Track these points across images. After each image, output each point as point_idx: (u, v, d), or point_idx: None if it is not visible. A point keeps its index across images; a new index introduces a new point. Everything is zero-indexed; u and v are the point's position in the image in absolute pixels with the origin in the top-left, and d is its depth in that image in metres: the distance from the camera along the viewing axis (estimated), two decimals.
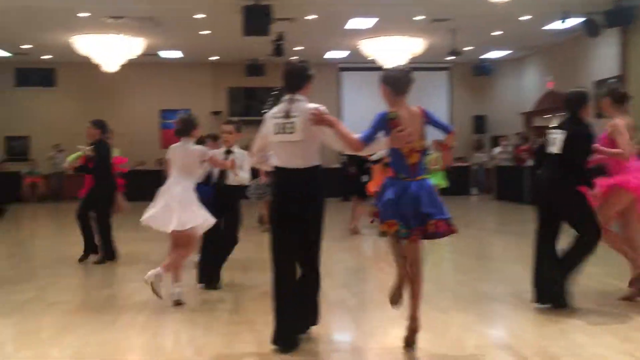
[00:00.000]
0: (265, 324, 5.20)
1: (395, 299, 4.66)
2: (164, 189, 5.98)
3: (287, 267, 4.49)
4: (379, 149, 4.50)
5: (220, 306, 5.94)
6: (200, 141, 7.23)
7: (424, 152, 4.46)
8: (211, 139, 7.74)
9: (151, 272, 5.70)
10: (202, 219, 5.94)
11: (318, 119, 4.29)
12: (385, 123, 4.35)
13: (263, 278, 7.20)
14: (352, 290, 6.60)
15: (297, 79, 4.49)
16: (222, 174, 6.68)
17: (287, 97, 4.47)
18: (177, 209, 5.79)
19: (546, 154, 5.69)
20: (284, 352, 4.41)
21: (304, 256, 4.54)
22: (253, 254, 8.51)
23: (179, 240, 5.96)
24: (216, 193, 6.69)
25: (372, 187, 10.87)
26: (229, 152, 6.61)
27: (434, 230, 4.31)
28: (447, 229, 4.36)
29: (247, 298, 6.28)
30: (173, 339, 5.04)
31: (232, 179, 6.61)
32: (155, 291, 5.70)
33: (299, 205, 4.37)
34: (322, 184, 4.50)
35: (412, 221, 4.30)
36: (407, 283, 4.55)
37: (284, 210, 4.43)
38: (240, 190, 6.96)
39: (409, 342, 4.48)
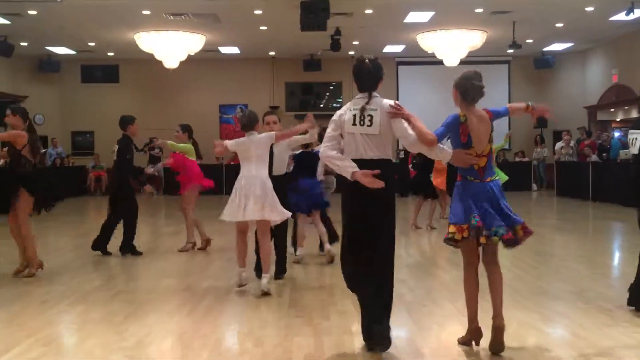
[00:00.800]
0: (322, 317, 5.26)
1: (465, 343, 4.57)
2: (245, 178, 6.16)
3: (364, 259, 4.42)
4: (445, 158, 4.50)
5: (277, 299, 6.01)
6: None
7: (490, 155, 4.50)
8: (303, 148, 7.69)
9: (265, 280, 6.16)
10: (282, 213, 6.23)
11: (396, 112, 4.37)
12: (457, 125, 4.43)
13: (320, 272, 7.28)
14: (409, 286, 6.57)
15: (374, 79, 4.52)
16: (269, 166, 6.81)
17: (362, 95, 4.52)
18: (262, 200, 6.06)
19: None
20: (381, 348, 4.37)
21: (375, 254, 4.46)
22: (311, 249, 8.57)
23: (262, 229, 6.28)
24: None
25: (435, 180, 10.91)
26: None
27: (520, 236, 4.37)
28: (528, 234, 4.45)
29: (304, 292, 6.33)
30: (232, 330, 5.13)
31: (277, 170, 6.72)
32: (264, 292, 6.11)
33: (370, 196, 4.34)
34: (394, 177, 4.55)
35: (490, 223, 4.32)
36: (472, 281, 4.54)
37: (356, 202, 4.43)
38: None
39: (498, 345, 4.35)
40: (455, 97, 4.51)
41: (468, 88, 4.44)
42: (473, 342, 4.49)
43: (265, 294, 6.08)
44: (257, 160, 6.19)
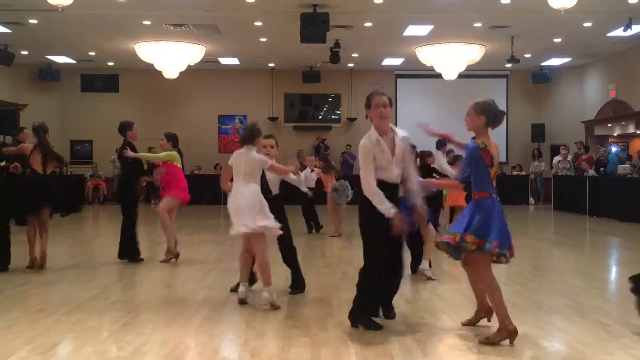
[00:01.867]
0: (319, 328, 5.26)
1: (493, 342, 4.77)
2: (233, 195, 6.12)
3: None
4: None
5: (274, 310, 5.99)
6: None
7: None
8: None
9: (266, 295, 6.05)
10: (272, 222, 6.08)
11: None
12: (478, 154, 4.64)
13: (317, 283, 7.27)
14: (406, 297, 6.57)
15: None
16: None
17: None
18: (247, 211, 5.96)
19: None
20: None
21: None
22: (307, 260, 8.56)
23: (253, 241, 6.12)
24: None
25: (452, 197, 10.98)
26: None
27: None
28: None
29: (301, 303, 6.32)
30: (229, 341, 5.12)
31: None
32: (273, 304, 6.01)
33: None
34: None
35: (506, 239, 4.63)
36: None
37: None
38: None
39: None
40: (478, 122, 4.68)
41: (497, 114, 4.67)
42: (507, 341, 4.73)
43: (275, 307, 5.98)
44: (244, 176, 6.09)
